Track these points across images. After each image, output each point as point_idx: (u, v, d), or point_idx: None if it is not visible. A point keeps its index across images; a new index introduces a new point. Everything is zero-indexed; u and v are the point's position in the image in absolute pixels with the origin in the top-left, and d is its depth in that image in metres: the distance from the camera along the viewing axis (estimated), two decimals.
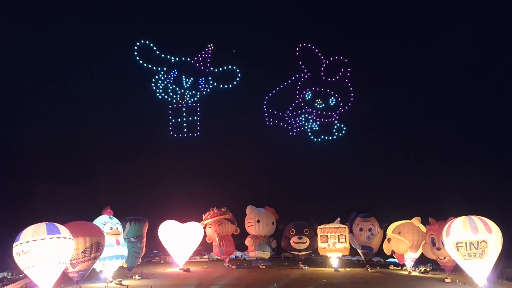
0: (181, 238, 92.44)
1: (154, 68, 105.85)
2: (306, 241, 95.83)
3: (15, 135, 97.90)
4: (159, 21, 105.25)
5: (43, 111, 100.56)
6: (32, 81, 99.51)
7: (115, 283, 77.17)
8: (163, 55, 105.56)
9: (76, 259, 70.26)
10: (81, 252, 70.73)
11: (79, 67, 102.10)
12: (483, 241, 67.85)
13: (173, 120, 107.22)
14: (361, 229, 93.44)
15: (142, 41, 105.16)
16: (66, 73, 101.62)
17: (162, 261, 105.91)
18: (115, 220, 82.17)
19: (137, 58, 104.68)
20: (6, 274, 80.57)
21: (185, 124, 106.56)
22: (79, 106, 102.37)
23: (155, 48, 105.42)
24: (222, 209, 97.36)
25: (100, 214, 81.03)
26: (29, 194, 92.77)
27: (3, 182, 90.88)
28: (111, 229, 79.26)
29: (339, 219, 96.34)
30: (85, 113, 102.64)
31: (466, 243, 68.64)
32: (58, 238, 64.74)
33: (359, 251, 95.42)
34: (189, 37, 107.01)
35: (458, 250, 69.74)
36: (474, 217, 70.16)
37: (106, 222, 79.65)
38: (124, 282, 77.84)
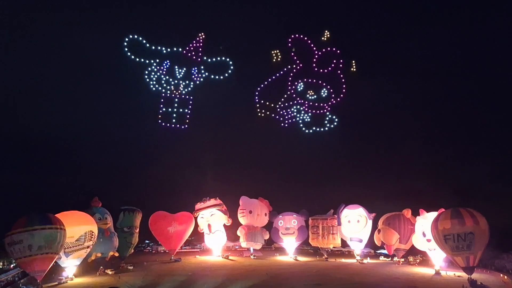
0: (171, 228, 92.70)
1: (147, 61, 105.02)
2: (294, 232, 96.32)
3: (8, 127, 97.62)
4: (148, 13, 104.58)
5: (36, 103, 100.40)
6: (24, 75, 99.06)
7: (108, 273, 77.61)
8: (153, 47, 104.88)
9: (70, 248, 70.76)
10: (75, 241, 71.37)
11: (69, 62, 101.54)
12: (471, 232, 68.59)
13: (164, 109, 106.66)
14: (349, 221, 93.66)
15: (131, 36, 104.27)
16: (57, 68, 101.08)
17: (153, 251, 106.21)
18: (103, 210, 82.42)
19: (128, 53, 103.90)
20: None
21: (174, 115, 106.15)
22: (70, 97, 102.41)
23: (144, 41, 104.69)
24: (215, 200, 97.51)
25: (89, 205, 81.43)
26: (19, 186, 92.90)
27: None
28: (100, 219, 79.44)
29: (332, 211, 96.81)
30: (76, 104, 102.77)
31: (453, 235, 69.39)
32: (50, 228, 64.95)
33: (348, 242, 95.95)
34: (179, 27, 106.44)
35: (446, 243, 70.48)
36: (461, 209, 70.82)
37: (95, 212, 79.74)
38: (116, 271, 78.32)
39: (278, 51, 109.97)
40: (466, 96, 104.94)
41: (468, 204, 73.42)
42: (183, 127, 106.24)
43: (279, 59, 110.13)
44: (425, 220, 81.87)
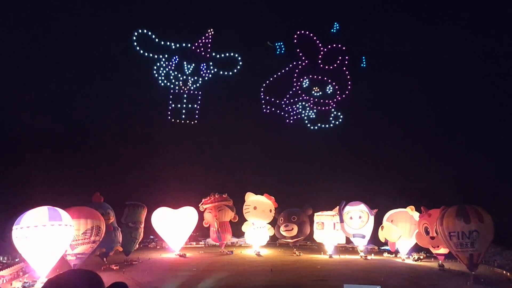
0: (175, 224, 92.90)
1: (156, 56, 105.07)
2: (293, 228, 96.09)
3: (14, 120, 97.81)
4: (157, 8, 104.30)
5: (43, 98, 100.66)
6: (32, 70, 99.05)
7: (113, 268, 77.92)
8: (162, 42, 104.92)
9: (76, 240, 70.74)
10: (82, 234, 71.35)
11: (78, 57, 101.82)
12: (475, 230, 68.66)
13: (173, 105, 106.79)
14: (351, 217, 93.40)
15: (140, 31, 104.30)
16: (64, 62, 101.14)
17: (158, 247, 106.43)
18: (106, 205, 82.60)
19: (137, 48, 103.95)
20: (1, 259, 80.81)
21: (184, 111, 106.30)
22: (77, 93, 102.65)
23: (153, 36, 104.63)
24: (223, 195, 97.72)
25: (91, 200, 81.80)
26: (21, 179, 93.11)
27: None
28: (103, 214, 79.13)
29: (337, 207, 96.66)
30: (83, 99, 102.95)
31: (458, 232, 69.49)
32: (60, 225, 65.13)
33: (351, 239, 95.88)
34: (188, 23, 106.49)
35: (450, 239, 70.61)
36: (467, 206, 70.89)
37: (97, 208, 79.71)
38: (121, 267, 78.62)
39: (282, 43, 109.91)
40: (472, 93, 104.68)
41: (473, 201, 73.52)
42: (193, 122, 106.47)
43: (282, 51, 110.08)
44: (428, 218, 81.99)
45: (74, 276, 24.00)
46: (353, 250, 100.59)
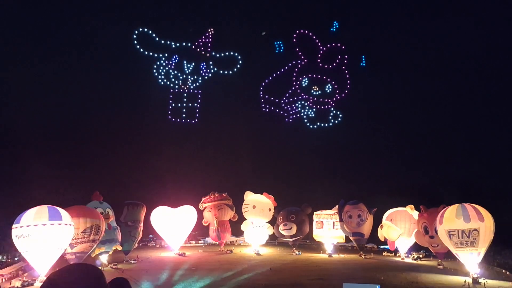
0: (174, 223, 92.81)
1: (156, 55, 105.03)
2: (292, 227, 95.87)
3: (14, 119, 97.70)
4: (158, 8, 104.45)
5: (43, 97, 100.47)
6: (31, 68, 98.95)
7: (111, 267, 77.75)
8: (163, 41, 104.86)
9: (76, 239, 70.53)
10: (81, 232, 71.08)
11: (77, 55, 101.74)
12: (475, 229, 68.57)
13: (173, 104, 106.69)
14: (350, 216, 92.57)
15: (141, 29, 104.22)
16: (64, 60, 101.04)
17: (157, 246, 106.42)
18: (105, 204, 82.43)
19: (138, 46, 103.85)
20: (1, 258, 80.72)
21: (184, 110, 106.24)
22: (77, 93, 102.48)
23: (154, 35, 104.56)
24: (223, 194, 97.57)
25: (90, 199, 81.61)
26: (21, 179, 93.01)
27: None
28: (102, 213, 79.03)
29: (337, 206, 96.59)
30: (83, 98, 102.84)
31: (458, 231, 69.43)
32: (60, 224, 64.95)
33: (351, 238, 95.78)
34: (188, 23, 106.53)
35: (450, 238, 70.54)
36: (467, 205, 70.75)
37: (97, 207, 79.56)
38: (120, 266, 78.50)
39: (281, 42, 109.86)
40: (472, 92, 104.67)
41: (473, 200, 73.41)
42: (193, 121, 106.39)
43: (281, 50, 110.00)
44: (428, 217, 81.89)
45: (74, 271, 23.77)
46: (353, 249, 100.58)
